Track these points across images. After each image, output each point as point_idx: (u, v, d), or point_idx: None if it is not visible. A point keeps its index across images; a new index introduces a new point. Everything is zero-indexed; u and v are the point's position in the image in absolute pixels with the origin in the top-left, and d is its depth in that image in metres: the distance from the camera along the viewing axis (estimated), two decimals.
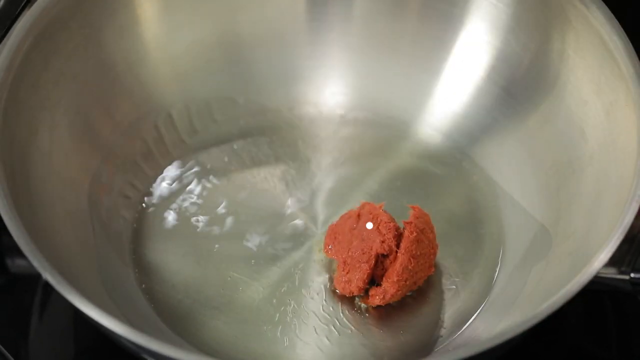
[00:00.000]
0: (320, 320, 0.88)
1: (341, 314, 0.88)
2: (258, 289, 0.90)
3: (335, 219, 0.94)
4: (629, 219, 0.76)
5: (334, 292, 0.90)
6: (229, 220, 0.96)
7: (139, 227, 0.95)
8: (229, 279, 0.91)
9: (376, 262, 0.87)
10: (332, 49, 1.03)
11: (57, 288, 0.72)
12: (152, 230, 0.95)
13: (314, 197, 0.98)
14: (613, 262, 0.77)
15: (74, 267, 0.83)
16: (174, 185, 0.98)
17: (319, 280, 0.91)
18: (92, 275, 0.86)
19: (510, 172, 0.97)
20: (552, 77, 0.93)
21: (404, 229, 0.87)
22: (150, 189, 0.97)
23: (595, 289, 0.76)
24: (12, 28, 0.88)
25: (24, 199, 0.82)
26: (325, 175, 1.00)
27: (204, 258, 0.93)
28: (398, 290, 0.87)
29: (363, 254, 0.87)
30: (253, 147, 1.01)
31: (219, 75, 1.03)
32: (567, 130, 0.91)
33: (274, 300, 0.89)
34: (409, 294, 0.89)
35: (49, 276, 0.73)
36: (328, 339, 0.87)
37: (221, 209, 0.96)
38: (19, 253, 0.75)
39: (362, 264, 0.87)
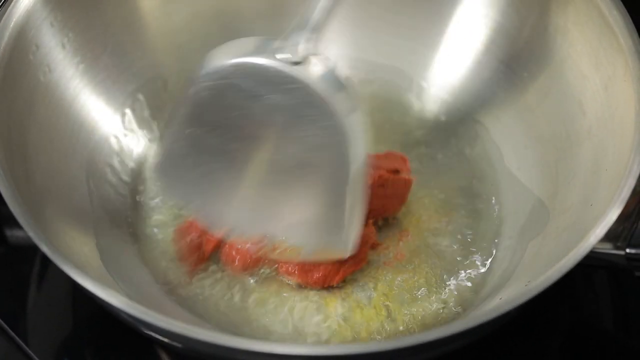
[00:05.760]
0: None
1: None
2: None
3: None
4: (625, 194, 0.75)
5: None
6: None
7: (137, 198, 0.95)
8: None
9: None
10: (331, 22, 1.03)
11: (52, 259, 0.72)
12: (150, 201, 0.95)
13: None
14: (609, 237, 0.77)
15: (70, 239, 0.83)
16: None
17: None
18: (89, 246, 0.87)
19: (508, 146, 0.97)
20: (551, 50, 0.93)
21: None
22: (147, 160, 0.98)
23: (591, 263, 0.76)
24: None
25: (21, 169, 0.82)
26: None
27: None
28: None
29: None
30: None
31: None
32: (566, 104, 0.91)
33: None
34: (409, 266, 0.90)
35: (44, 247, 0.73)
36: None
37: None
38: (17, 224, 0.75)
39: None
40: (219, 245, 0.90)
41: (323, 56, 0.81)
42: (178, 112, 0.85)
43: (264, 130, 0.82)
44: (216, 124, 0.83)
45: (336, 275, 0.88)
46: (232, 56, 0.81)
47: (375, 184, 0.90)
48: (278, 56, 0.79)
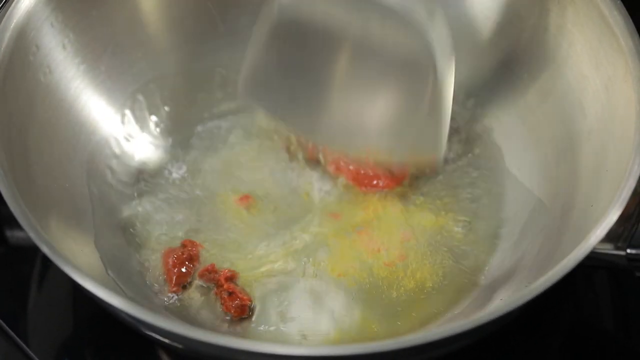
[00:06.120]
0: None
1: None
2: (256, 254, 0.92)
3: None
4: (626, 194, 0.75)
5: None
6: (227, 190, 0.96)
7: (137, 199, 0.95)
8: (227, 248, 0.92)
9: None
10: None
11: (53, 259, 0.73)
12: (150, 202, 0.95)
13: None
14: (609, 237, 0.77)
15: (70, 239, 0.84)
16: (172, 156, 0.99)
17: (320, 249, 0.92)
18: (89, 247, 0.87)
19: (508, 147, 0.97)
20: (552, 51, 0.93)
21: None
22: (147, 161, 0.98)
23: (591, 264, 0.76)
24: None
25: (22, 170, 0.82)
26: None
27: (202, 229, 0.93)
28: None
29: None
30: (250, 120, 1.01)
31: (219, 48, 1.03)
32: (566, 105, 0.91)
33: (277, 265, 0.91)
34: (409, 267, 0.90)
35: (44, 247, 0.73)
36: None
37: (218, 180, 0.97)
38: (18, 224, 0.75)
39: None
40: (207, 275, 0.90)
41: None
42: (260, 30, 0.88)
43: (348, 45, 0.85)
44: (298, 39, 0.86)
45: None
46: None
47: None
48: None
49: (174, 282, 0.89)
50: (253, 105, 0.95)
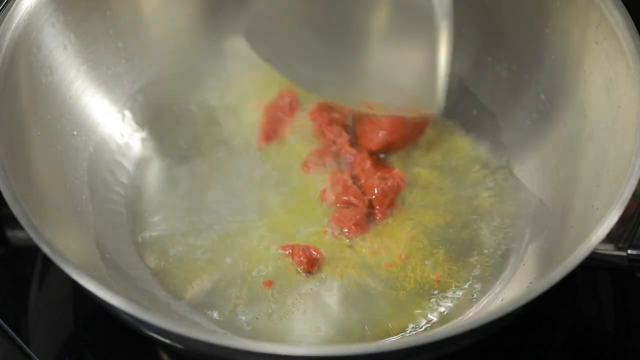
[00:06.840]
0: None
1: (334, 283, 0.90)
2: (252, 242, 0.92)
3: None
4: (627, 195, 0.75)
5: None
6: (224, 193, 0.96)
7: (138, 199, 0.95)
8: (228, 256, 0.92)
9: None
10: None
11: (53, 259, 0.73)
12: (150, 202, 0.95)
13: None
14: (610, 238, 0.77)
15: (71, 240, 0.84)
16: (172, 157, 0.99)
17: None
18: (89, 247, 0.87)
19: (509, 148, 0.97)
20: (553, 52, 0.93)
21: None
22: (148, 162, 0.98)
23: (592, 265, 0.76)
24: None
25: (23, 171, 0.82)
26: None
27: (203, 231, 0.93)
28: None
29: None
30: None
31: (220, 49, 1.03)
32: (567, 106, 0.91)
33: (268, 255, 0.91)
34: (410, 267, 0.90)
35: (45, 248, 0.73)
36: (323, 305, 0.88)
37: (216, 179, 0.97)
38: (19, 225, 0.75)
39: None
40: None
41: None
42: None
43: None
44: None
45: None
46: None
47: None
48: None
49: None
50: (256, 53, 0.94)
